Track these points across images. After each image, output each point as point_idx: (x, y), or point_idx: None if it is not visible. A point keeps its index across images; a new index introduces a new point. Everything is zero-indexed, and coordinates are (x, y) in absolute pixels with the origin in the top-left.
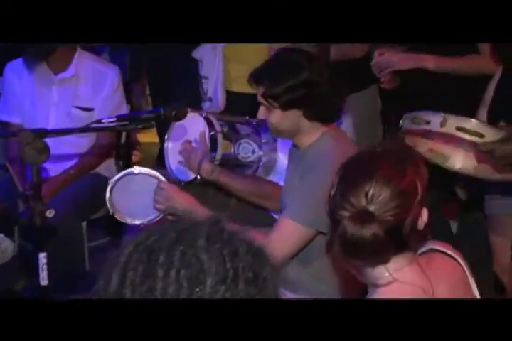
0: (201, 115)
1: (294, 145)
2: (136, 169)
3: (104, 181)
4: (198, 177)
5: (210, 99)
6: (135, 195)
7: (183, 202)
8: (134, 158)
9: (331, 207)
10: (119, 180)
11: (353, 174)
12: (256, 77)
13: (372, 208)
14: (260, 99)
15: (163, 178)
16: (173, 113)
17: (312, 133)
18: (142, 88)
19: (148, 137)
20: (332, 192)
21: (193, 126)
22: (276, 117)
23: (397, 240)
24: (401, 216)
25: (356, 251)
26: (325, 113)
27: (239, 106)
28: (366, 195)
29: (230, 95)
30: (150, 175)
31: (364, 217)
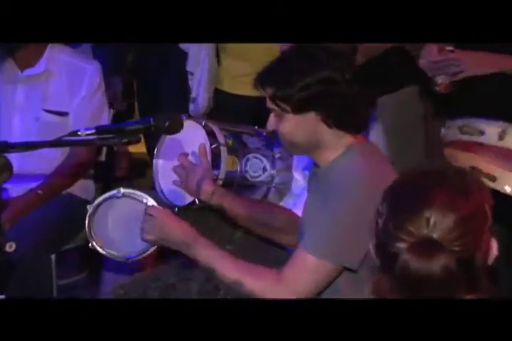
0: (200, 123)
1: (315, 164)
2: (121, 191)
3: (80, 204)
4: (197, 201)
5: (193, 100)
6: (119, 222)
7: (179, 232)
8: (121, 172)
9: (380, 239)
10: (100, 204)
11: (406, 199)
12: (263, 76)
13: (436, 236)
14: (269, 104)
15: (153, 202)
16: (166, 124)
17: (334, 147)
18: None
19: (140, 146)
20: (380, 221)
21: (190, 137)
22: (289, 124)
23: (469, 276)
24: (470, 245)
25: (422, 290)
26: (349, 119)
27: (239, 111)
28: (427, 222)
29: (224, 97)
30: (137, 199)
31: (429, 246)
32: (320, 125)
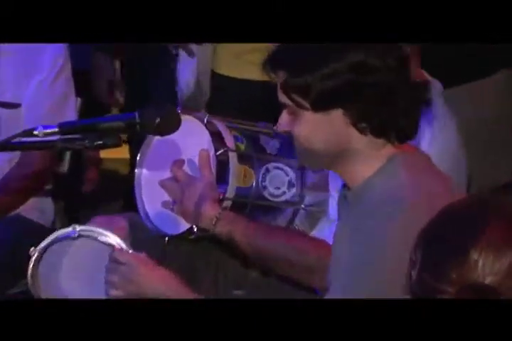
0: (201, 120)
1: (344, 185)
2: (76, 229)
3: (32, 230)
4: (195, 228)
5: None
6: (75, 271)
7: (157, 284)
8: (87, 185)
9: (416, 293)
10: (48, 247)
11: (446, 239)
12: (276, 55)
13: (489, 280)
14: (281, 97)
15: (121, 244)
16: (157, 120)
17: (369, 160)
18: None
19: (115, 150)
20: (414, 273)
21: (187, 138)
22: (306, 126)
23: None
24: None
25: None
26: (391, 122)
27: (246, 103)
28: (476, 263)
29: (224, 83)
30: (99, 240)
31: (481, 292)
32: (349, 129)
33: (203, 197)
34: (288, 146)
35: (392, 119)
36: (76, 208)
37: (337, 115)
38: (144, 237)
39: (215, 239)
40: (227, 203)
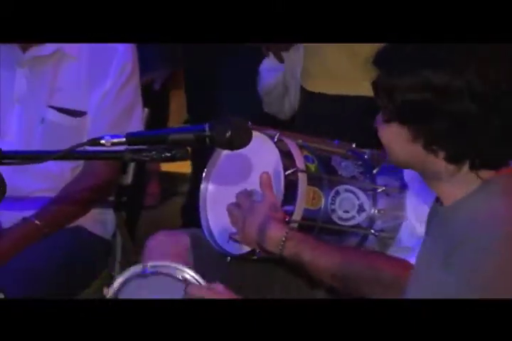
0: (271, 138)
1: (437, 198)
2: (147, 268)
3: (93, 242)
4: (258, 249)
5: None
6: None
7: None
8: (149, 200)
9: None
10: (121, 287)
11: None
12: (381, 55)
13: None
14: (374, 94)
15: (193, 275)
16: (227, 134)
17: (460, 181)
18: (175, 82)
19: (177, 164)
20: None
21: (257, 155)
22: (387, 133)
23: None
24: None
25: None
26: (473, 150)
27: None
28: None
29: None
30: (171, 275)
31: None
32: (422, 150)
33: (266, 219)
34: (362, 169)
35: (475, 148)
36: (137, 221)
37: (408, 130)
38: (205, 255)
39: (280, 260)
40: (294, 225)
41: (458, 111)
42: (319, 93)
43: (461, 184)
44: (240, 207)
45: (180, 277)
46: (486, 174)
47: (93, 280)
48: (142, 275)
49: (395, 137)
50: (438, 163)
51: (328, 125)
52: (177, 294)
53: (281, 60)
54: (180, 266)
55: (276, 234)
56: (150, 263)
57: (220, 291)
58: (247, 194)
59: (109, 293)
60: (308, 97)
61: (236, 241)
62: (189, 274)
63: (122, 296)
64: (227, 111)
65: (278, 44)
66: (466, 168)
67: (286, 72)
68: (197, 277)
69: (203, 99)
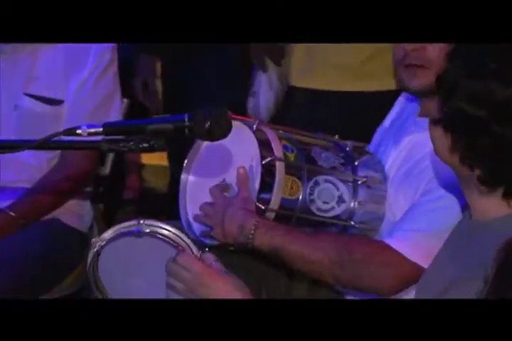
0: (250, 127)
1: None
2: (141, 223)
3: (69, 235)
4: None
5: (253, 94)
6: (138, 268)
7: (220, 296)
8: (128, 193)
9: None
10: (111, 241)
11: None
12: (460, 49)
13: None
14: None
15: (189, 245)
16: (207, 124)
17: (495, 202)
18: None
19: (157, 156)
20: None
21: (236, 145)
22: (433, 136)
23: None
24: None
25: None
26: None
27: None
28: None
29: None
30: (164, 239)
31: None
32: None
33: (240, 213)
34: (343, 160)
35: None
36: (115, 214)
37: (450, 138)
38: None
39: (257, 251)
40: (271, 215)
41: (506, 135)
42: (327, 90)
43: (495, 203)
44: (215, 205)
45: (173, 243)
46: None
47: (70, 273)
48: (136, 234)
49: (437, 140)
50: (472, 179)
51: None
52: (168, 257)
53: (278, 64)
54: (176, 231)
55: (245, 224)
56: (146, 221)
57: (208, 267)
58: (221, 189)
59: (97, 244)
60: (310, 96)
61: (211, 237)
62: (184, 241)
63: (109, 249)
64: (205, 100)
65: (268, 49)
66: (499, 192)
67: (279, 78)
68: (191, 245)
69: (180, 88)
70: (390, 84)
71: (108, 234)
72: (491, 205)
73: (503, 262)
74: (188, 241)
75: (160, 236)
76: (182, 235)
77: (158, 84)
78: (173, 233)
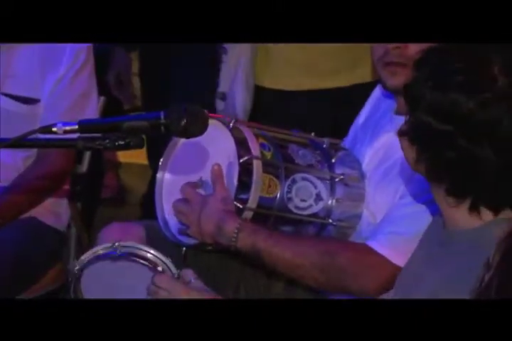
0: (226, 125)
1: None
2: (116, 246)
3: (46, 234)
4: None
5: (223, 97)
6: (117, 289)
7: None
8: (106, 192)
9: (483, 295)
10: (88, 265)
11: None
12: (428, 57)
13: None
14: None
15: (169, 266)
16: (183, 122)
17: (468, 213)
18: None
19: (136, 155)
20: (487, 276)
21: (213, 143)
22: (402, 147)
23: None
24: None
25: None
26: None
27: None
28: None
29: (269, 96)
30: (140, 262)
31: None
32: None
33: (218, 213)
34: (320, 157)
35: (477, 188)
36: (92, 213)
37: (415, 150)
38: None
39: (235, 251)
40: (249, 214)
41: (471, 148)
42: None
43: (465, 215)
44: (189, 202)
45: (150, 265)
46: (489, 216)
47: (46, 272)
48: (112, 257)
49: (404, 150)
50: (440, 191)
51: (304, 121)
52: (146, 279)
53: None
54: (151, 250)
55: (228, 226)
56: (122, 243)
57: (184, 287)
58: (193, 186)
59: (76, 268)
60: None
61: (188, 235)
62: (162, 261)
63: (88, 273)
64: (182, 98)
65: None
66: (467, 204)
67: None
68: (169, 265)
69: (158, 84)
70: (357, 78)
71: (85, 257)
72: (461, 216)
73: (506, 252)
74: (167, 261)
75: (135, 258)
76: (159, 255)
77: (133, 78)
78: (151, 253)
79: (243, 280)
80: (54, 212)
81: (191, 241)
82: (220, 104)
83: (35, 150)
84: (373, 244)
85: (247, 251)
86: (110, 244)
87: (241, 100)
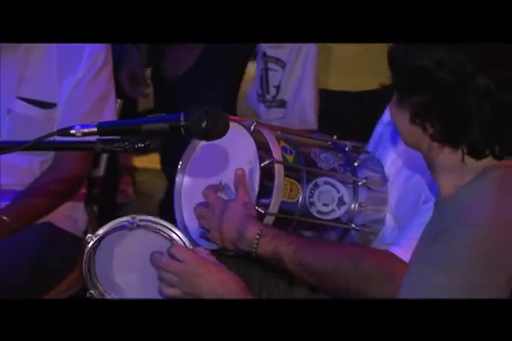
0: (247, 128)
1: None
2: (136, 219)
3: (63, 239)
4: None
5: (282, 104)
6: (131, 263)
7: (215, 287)
8: (121, 197)
9: None
10: (106, 235)
11: None
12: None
13: None
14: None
15: (183, 238)
16: (204, 124)
17: (459, 171)
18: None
19: (151, 160)
20: None
21: (234, 146)
22: (394, 115)
23: None
24: None
25: None
26: (479, 141)
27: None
28: None
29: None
30: (160, 233)
31: None
32: (426, 137)
33: (240, 218)
34: (343, 161)
35: (460, 130)
36: (110, 217)
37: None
38: None
39: (256, 256)
40: (270, 219)
41: (447, 80)
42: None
43: (457, 175)
44: (211, 206)
45: (167, 235)
46: (485, 164)
47: (64, 278)
48: (129, 227)
49: (397, 117)
50: (439, 152)
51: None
52: (160, 250)
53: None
54: (168, 224)
55: (250, 232)
56: (139, 216)
57: (202, 258)
58: (214, 190)
59: (92, 239)
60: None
61: (208, 239)
62: (176, 234)
63: (104, 244)
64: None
65: None
66: (458, 156)
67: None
68: (184, 239)
69: (171, 91)
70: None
71: (102, 229)
72: (456, 176)
73: None
74: (181, 234)
75: (153, 228)
76: (175, 229)
77: (146, 75)
78: (167, 227)
79: (265, 283)
80: (71, 216)
81: (211, 246)
82: (277, 112)
83: (51, 155)
84: (397, 250)
85: (269, 256)
86: (128, 217)
87: (311, 104)
